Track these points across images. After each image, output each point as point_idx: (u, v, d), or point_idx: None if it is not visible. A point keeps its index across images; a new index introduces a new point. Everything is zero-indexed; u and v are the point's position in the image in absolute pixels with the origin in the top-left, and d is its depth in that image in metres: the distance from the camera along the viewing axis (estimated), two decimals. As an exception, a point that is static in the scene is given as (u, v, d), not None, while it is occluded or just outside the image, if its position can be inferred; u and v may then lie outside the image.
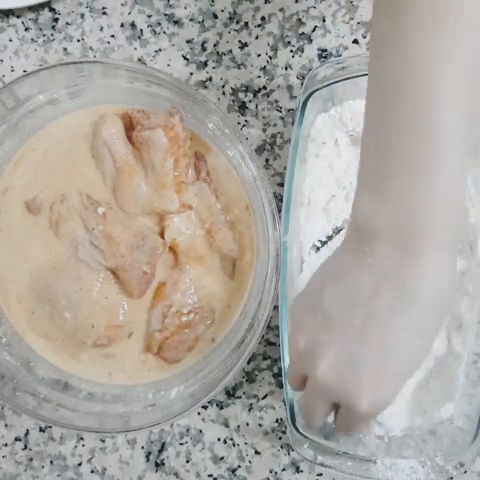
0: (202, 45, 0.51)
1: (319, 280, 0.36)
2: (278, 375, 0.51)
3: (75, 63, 0.42)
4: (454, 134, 0.30)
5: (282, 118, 0.51)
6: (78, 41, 0.51)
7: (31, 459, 0.51)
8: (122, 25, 0.51)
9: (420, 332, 0.33)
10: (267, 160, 0.51)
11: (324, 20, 0.51)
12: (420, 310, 0.32)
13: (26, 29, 0.51)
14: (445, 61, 0.29)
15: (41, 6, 0.51)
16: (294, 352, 0.37)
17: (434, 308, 0.32)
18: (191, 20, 0.51)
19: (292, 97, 0.51)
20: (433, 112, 0.30)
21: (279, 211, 0.44)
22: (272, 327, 0.51)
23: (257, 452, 0.51)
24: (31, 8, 0.51)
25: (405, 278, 0.32)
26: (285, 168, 0.50)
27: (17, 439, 0.51)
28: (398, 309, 0.32)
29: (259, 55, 0.51)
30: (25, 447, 0.51)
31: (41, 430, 0.51)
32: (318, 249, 0.47)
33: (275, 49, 0.51)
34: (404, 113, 0.31)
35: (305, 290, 0.37)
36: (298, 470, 0.51)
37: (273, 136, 0.51)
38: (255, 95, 0.51)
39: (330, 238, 0.47)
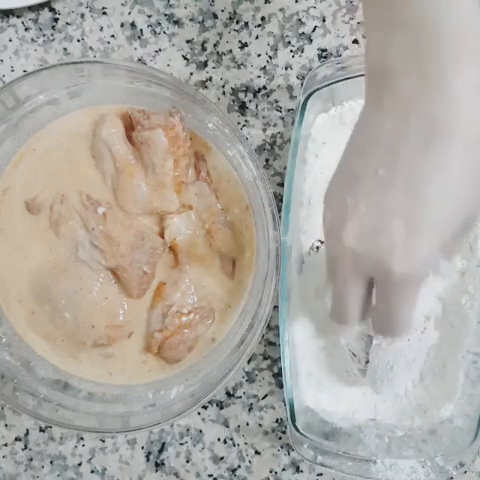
0: (202, 45, 0.51)
1: (345, 156, 0.33)
2: (278, 375, 0.51)
3: (75, 63, 0.42)
4: None
5: (282, 118, 0.51)
6: (78, 41, 0.51)
7: (31, 459, 0.51)
8: (122, 25, 0.51)
9: (457, 174, 0.28)
10: (267, 160, 0.51)
11: (324, 20, 0.51)
12: (454, 145, 0.27)
13: (26, 29, 0.51)
14: None
15: (41, 6, 0.51)
16: (325, 234, 0.32)
17: (470, 142, 0.27)
18: (191, 20, 0.51)
19: (292, 97, 0.51)
20: None
21: (279, 211, 0.44)
22: (272, 327, 0.51)
23: (257, 452, 0.51)
24: (31, 8, 0.51)
25: (431, 108, 0.27)
26: (285, 168, 0.50)
27: (17, 439, 0.51)
28: (427, 146, 0.27)
29: (259, 55, 0.51)
30: (25, 447, 0.51)
31: (41, 430, 0.51)
32: (318, 249, 0.47)
33: (275, 49, 0.51)
34: None
35: (335, 172, 0.33)
36: (298, 470, 0.51)
37: (273, 136, 0.51)
38: (255, 95, 0.51)
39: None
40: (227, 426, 0.51)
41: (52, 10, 0.51)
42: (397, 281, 0.29)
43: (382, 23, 0.29)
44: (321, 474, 0.51)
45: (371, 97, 0.30)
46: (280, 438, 0.51)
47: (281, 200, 0.47)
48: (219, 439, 0.51)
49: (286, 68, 0.51)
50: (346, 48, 0.51)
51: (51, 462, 0.51)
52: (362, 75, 0.43)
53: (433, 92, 0.27)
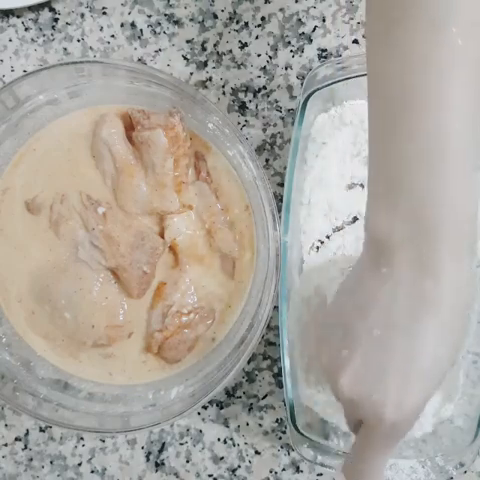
0: (202, 45, 0.51)
1: (338, 297, 0.36)
2: (278, 375, 0.51)
3: (75, 63, 0.42)
4: (462, 141, 0.30)
5: (282, 118, 0.51)
6: (78, 41, 0.51)
7: (31, 459, 0.51)
8: (122, 25, 0.51)
9: (444, 338, 0.32)
10: (267, 160, 0.51)
11: (324, 20, 0.51)
12: (440, 316, 0.31)
13: (26, 29, 0.51)
14: (448, 70, 0.29)
15: (41, 6, 0.51)
16: (321, 366, 0.36)
17: (455, 313, 0.32)
18: (191, 20, 0.51)
19: (292, 97, 0.51)
20: (439, 121, 0.30)
21: (279, 211, 0.44)
22: (272, 327, 0.51)
23: (257, 452, 0.51)
24: (31, 8, 0.51)
25: (423, 287, 0.31)
26: (285, 168, 0.50)
27: (17, 439, 0.51)
28: (418, 314, 0.31)
29: (259, 55, 0.51)
30: (25, 447, 0.51)
31: (41, 430, 0.51)
32: (318, 249, 0.47)
33: (275, 49, 0.51)
34: (409, 123, 0.30)
35: (327, 309, 0.37)
36: (298, 470, 0.51)
37: (273, 136, 0.51)
38: (255, 95, 0.51)
39: (330, 238, 0.47)
40: (227, 426, 0.51)
41: (52, 10, 0.51)
42: (386, 430, 0.32)
43: (387, 200, 0.32)
44: (321, 474, 0.51)
45: (370, 259, 0.34)
46: (280, 438, 0.51)
47: (281, 200, 0.47)
48: (219, 439, 0.51)
49: (286, 68, 0.51)
50: (346, 48, 0.51)
51: (51, 462, 0.51)
52: (362, 75, 0.44)
53: (426, 274, 0.31)
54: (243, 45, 0.51)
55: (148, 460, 0.51)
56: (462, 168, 0.30)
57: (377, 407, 0.32)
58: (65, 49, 0.51)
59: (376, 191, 0.33)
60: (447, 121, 0.30)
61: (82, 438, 0.51)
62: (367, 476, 0.34)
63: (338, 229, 0.47)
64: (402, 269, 0.32)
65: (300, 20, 0.51)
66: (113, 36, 0.51)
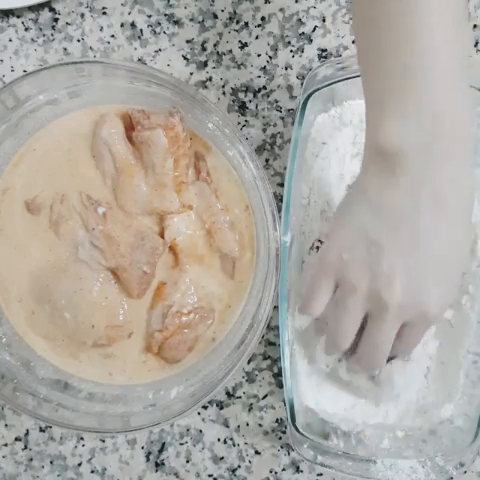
0: (202, 45, 0.51)
1: (354, 213, 0.38)
2: (278, 375, 0.51)
3: (75, 63, 0.42)
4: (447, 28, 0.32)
5: (282, 118, 0.51)
6: (78, 41, 0.51)
7: (31, 459, 0.51)
8: (122, 25, 0.51)
9: (462, 234, 0.36)
10: (267, 160, 0.51)
11: (324, 20, 0.51)
12: (458, 215, 0.35)
13: (26, 29, 0.51)
14: None
15: (41, 6, 0.51)
16: (349, 291, 0.38)
17: (467, 211, 0.36)
18: (191, 20, 0.51)
19: (292, 97, 0.51)
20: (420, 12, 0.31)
21: (279, 211, 0.44)
22: (272, 327, 0.51)
23: (257, 452, 0.51)
24: (31, 8, 0.51)
25: (441, 185, 0.34)
26: (285, 168, 0.50)
27: (17, 439, 0.51)
28: (439, 217, 0.34)
29: (259, 55, 0.51)
30: (25, 447, 0.51)
31: (41, 430, 0.51)
32: (318, 249, 0.47)
33: (275, 49, 0.51)
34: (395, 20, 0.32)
35: (343, 225, 0.38)
36: (298, 470, 0.51)
37: (273, 136, 0.51)
38: (255, 95, 0.51)
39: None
40: (227, 426, 0.51)
41: (52, 10, 0.51)
42: (430, 320, 0.38)
43: (398, 106, 0.33)
44: (321, 474, 0.51)
45: (381, 171, 0.35)
46: (280, 438, 0.51)
47: (281, 200, 0.47)
48: (219, 439, 0.51)
49: (286, 68, 0.51)
50: (346, 48, 0.51)
51: (51, 462, 0.51)
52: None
53: (442, 173, 0.34)
54: (243, 45, 0.51)
55: (148, 460, 0.51)
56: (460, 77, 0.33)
57: (425, 308, 0.36)
58: (65, 49, 0.51)
59: (382, 101, 0.34)
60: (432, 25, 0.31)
61: (82, 438, 0.51)
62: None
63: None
64: (418, 177, 0.34)
65: (300, 20, 0.51)
66: (113, 36, 0.51)
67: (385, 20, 0.32)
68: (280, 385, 0.50)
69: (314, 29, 0.51)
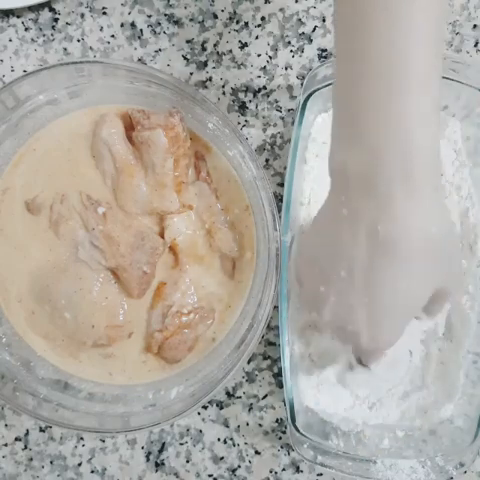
0: (202, 45, 0.51)
1: (312, 230, 0.38)
2: (278, 375, 0.51)
3: (75, 63, 0.42)
4: (419, 65, 0.29)
5: (282, 118, 0.51)
6: (78, 41, 0.51)
7: (31, 459, 0.51)
8: (122, 25, 0.51)
9: (406, 275, 0.33)
10: (267, 160, 0.51)
11: (324, 20, 0.51)
12: (399, 254, 0.32)
13: (26, 29, 0.51)
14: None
15: (41, 6, 0.51)
16: (303, 296, 0.40)
17: (417, 252, 0.32)
18: (191, 20, 0.51)
19: (292, 97, 0.51)
20: (398, 40, 0.29)
21: (279, 211, 0.44)
22: (272, 327, 0.51)
23: (257, 452, 0.51)
24: (31, 8, 0.51)
25: (377, 225, 0.32)
26: (285, 168, 0.50)
27: (17, 439, 0.51)
28: (376, 255, 0.32)
29: (259, 55, 0.51)
30: (25, 447, 0.51)
31: (41, 430, 0.51)
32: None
33: (275, 49, 0.51)
34: (369, 53, 0.30)
35: (305, 238, 0.40)
36: (298, 470, 0.51)
37: (273, 136, 0.51)
38: (255, 95, 0.51)
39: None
40: (227, 426, 0.51)
41: (52, 10, 0.51)
42: (367, 353, 0.37)
43: (345, 139, 0.33)
44: (321, 474, 0.51)
45: (333, 197, 0.35)
46: (280, 438, 0.51)
47: (281, 200, 0.47)
48: (219, 439, 0.51)
49: (286, 68, 0.51)
50: (346, 48, 0.51)
51: (51, 462, 0.51)
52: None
53: (379, 211, 0.31)
54: (243, 45, 0.51)
55: (148, 460, 0.51)
56: (418, 95, 0.30)
57: (354, 338, 0.35)
58: (65, 49, 0.51)
59: (335, 125, 0.34)
60: (404, 45, 0.29)
61: (82, 438, 0.51)
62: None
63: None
64: (358, 208, 0.32)
65: (300, 20, 0.51)
66: (113, 36, 0.51)
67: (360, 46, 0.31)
68: (280, 385, 0.50)
69: (314, 29, 0.51)
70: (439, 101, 0.31)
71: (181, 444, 0.51)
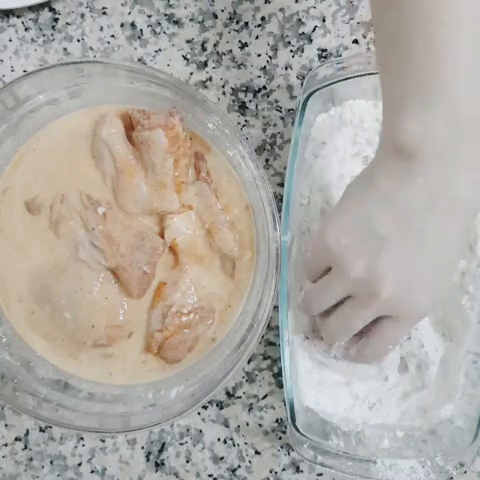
0: (202, 45, 0.51)
1: (362, 201, 0.37)
2: (278, 375, 0.51)
3: (75, 63, 0.42)
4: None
5: (282, 118, 0.51)
6: (78, 41, 0.51)
7: (31, 459, 0.51)
8: (122, 25, 0.51)
9: (465, 237, 0.37)
10: (267, 160, 0.51)
11: (324, 20, 0.51)
12: (469, 220, 0.35)
13: (26, 29, 0.51)
14: None
15: (41, 6, 0.51)
16: (344, 276, 0.38)
17: (475, 213, 0.35)
18: (191, 20, 0.51)
19: (292, 97, 0.51)
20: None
21: (279, 211, 0.44)
22: (272, 327, 0.51)
23: (257, 452, 0.51)
24: (31, 8, 0.51)
25: (461, 192, 0.33)
26: (285, 168, 0.50)
27: (17, 439, 0.51)
28: (451, 224, 0.34)
29: (259, 55, 0.51)
30: (25, 447, 0.51)
31: (41, 430, 0.51)
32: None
33: (275, 49, 0.51)
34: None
35: (346, 210, 0.38)
36: (298, 470, 0.51)
37: (273, 136, 0.51)
38: (255, 95, 0.51)
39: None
40: (227, 426, 0.51)
41: (52, 10, 0.51)
42: (417, 317, 0.39)
43: (424, 101, 0.32)
44: (321, 474, 0.51)
45: (397, 167, 0.34)
46: (280, 438, 0.51)
47: (281, 200, 0.47)
48: (219, 439, 0.51)
49: (286, 68, 0.51)
50: (346, 48, 0.51)
51: (51, 462, 0.51)
52: (362, 75, 0.44)
53: (460, 179, 0.33)
54: (243, 45, 0.51)
55: (148, 460, 0.51)
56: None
57: (413, 306, 0.37)
58: (65, 49, 0.51)
59: (404, 96, 0.33)
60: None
61: (82, 438, 0.51)
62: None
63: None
64: (437, 176, 0.33)
65: (300, 20, 0.51)
66: (113, 36, 0.51)
67: (407, 15, 0.31)
68: (280, 385, 0.50)
69: (314, 29, 0.51)
70: None
71: (181, 444, 0.51)
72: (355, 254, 0.37)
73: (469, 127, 0.31)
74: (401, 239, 0.35)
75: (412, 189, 0.34)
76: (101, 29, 0.51)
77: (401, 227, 0.35)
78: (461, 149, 0.32)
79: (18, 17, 0.51)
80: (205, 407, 0.51)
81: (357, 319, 0.39)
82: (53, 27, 0.51)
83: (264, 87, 0.51)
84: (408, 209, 0.34)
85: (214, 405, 0.51)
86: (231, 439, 0.51)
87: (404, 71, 0.32)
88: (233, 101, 0.51)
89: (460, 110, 0.31)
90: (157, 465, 0.51)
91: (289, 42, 0.51)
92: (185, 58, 0.51)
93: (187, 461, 0.51)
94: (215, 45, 0.51)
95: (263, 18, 0.51)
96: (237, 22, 0.51)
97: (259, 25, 0.51)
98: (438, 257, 0.35)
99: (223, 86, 0.51)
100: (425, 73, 0.31)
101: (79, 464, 0.51)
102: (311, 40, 0.51)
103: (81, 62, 0.42)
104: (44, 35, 0.51)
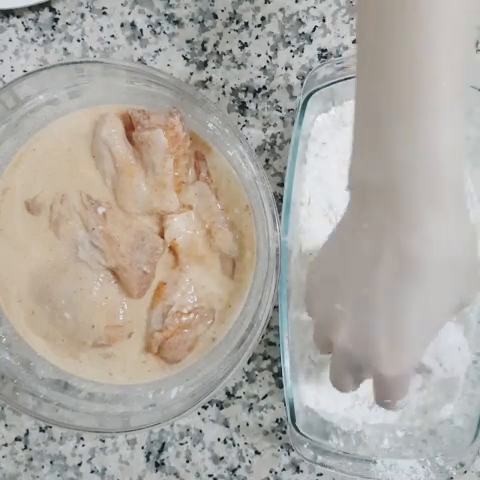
0: (202, 45, 0.51)
1: (329, 246, 0.36)
2: (278, 375, 0.51)
3: (75, 63, 0.42)
4: (446, 78, 0.28)
5: (282, 118, 0.51)
6: (78, 41, 0.51)
7: (31, 459, 0.51)
8: (122, 25, 0.51)
9: (431, 297, 0.31)
10: (267, 160, 0.51)
11: (324, 20, 0.51)
12: (427, 275, 0.30)
13: (26, 29, 0.51)
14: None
15: (41, 6, 0.51)
16: (314, 319, 0.36)
17: (445, 269, 0.30)
18: (191, 20, 0.51)
19: (292, 97, 0.51)
20: (423, 57, 0.28)
21: (279, 211, 0.44)
22: (272, 327, 0.51)
23: (257, 452, 0.51)
24: (31, 8, 0.51)
25: (403, 243, 0.30)
26: (285, 168, 0.50)
27: (17, 439, 0.51)
28: (402, 276, 0.30)
29: (259, 55, 0.51)
30: (25, 447, 0.51)
31: (41, 430, 0.51)
32: (318, 249, 0.47)
33: (275, 49, 0.51)
34: (392, 62, 0.29)
35: (320, 255, 0.37)
36: (298, 470, 0.51)
37: (273, 136, 0.51)
38: (255, 95, 0.51)
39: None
40: (227, 426, 0.51)
41: (52, 10, 0.51)
42: (387, 381, 0.33)
43: (366, 150, 0.32)
44: (321, 474, 0.51)
45: (353, 211, 0.34)
46: (280, 438, 0.51)
47: (281, 200, 0.47)
48: (219, 439, 0.51)
49: (286, 68, 0.51)
50: (346, 48, 0.51)
51: (51, 462, 0.51)
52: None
53: (404, 228, 0.30)
54: (243, 45, 0.51)
55: (148, 460, 0.51)
56: (445, 111, 0.29)
57: (373, 362, 0.32)
58: (65, 49, 0.51)
59: (356, 139, 0.33)
60: (428, 61, 0.28)
61: (82, 438, 0.51)
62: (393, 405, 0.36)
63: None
64: (381, 224, 0.31)
65: (300, 20, 0.51)
66: (113, 36, 0.51)
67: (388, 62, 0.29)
68: (280, 385, 0.50)
69: (314, 29, 0.51)
70: (464, 108, 0.30)
71: (181, 444, 0.51)
72: (317, 296, 0.36)
73: (414, 179, 0.30)
74: (353, 290, 0.33)
75: (359, 235, 0.32)
76: (101, 29, 0.51)
77: (352, 278, 0.33)
78: (401, 193, 0.30)
79: (18, 17, 0.51)
80: (205, 407, 0.51)
81: (337, 373, 0.36)
82: (53, 27, 0.51)
83: (264, 87, 0.51)
84: (357, 259, 0.33)
85: (214, 405, 0.51)
86: (231, 439, 0.51)
87: (358, 120, 0.32)
88: (233, 101, 0.51)
89: (400, 160, 0.30)
90: (157, 465, 0.51)
91: (289, 42, 0.51)
92: (185, 58, 0.51)
93: (187, 461, 0.51)
94: (215, 45, 0.51)
95: (263, 18, 0.51)
96: (237, 22, 0.51)
97: (259, 25, 0.51)
98: (391, 314, 0.31)
99: (223, 86, 0.51)
100: (376, 120, 0.31)
101: (79, 464, 0.51)
102: (311, 40, 0.51)
103: (81, 62, 0.42)
104: (44, 35, 0.51)
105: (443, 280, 0.31)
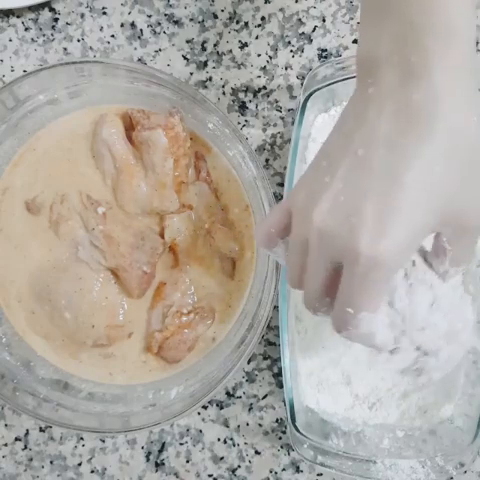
0: (202, 45, 0.51)
1: (329, 136, 0.32)
2: (278, 375, 0.51)
3: (75, 63, 0.42)
4: None
5: (282, 118, 0.51)
6: (78, 41, 0.51)
7: (31, 459, 0.51)
8: (122, 25, 0.51)
9: (442, 168, 0.27)
10: (267, 160, 0.51)
11: (324, 20, 0.51)
12: (436, 133, 0.27)
13: (26, 29, 0.51)
14: None
15: (41, 6, 0.51)
16: (293, 209, 0.31)
17: (454, 131, 0.27)
18: (191, 20, 0.51)
19: (292, 97, 0.51)
20: None
21: (279, 211, 0.44)
22: (272, 327, 0.51)
23: (257, 452, 0.51)
24: (31, 8, 0.51)
25: (412, 95, 0.27)
26: (285, 168, 0.50)
27: (17, 439, 0.51)
28: (408, 132, 0.27)
29: (259, 55, 0.51)
30: (25, 447, 0.51)
31: (41, 430, 0.51)
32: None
33: (275, 49, 0.51)
34: None
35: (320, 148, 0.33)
36: (298, 470, 0.51)
37: (273, 136, 0.51)
38: (255, 95, 0.51)
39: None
40: (227, 426, 0.51)
41: (52, 10, 0.51)
42: (363, 266, 0.28)
43: (375, 16, 0.30)
44: (321, 474, 0.51)
45: (358, 85, 0.31)
46: (280, 438, 0.51)
47: (281, 200, 0.47)
48: (219, 439, 0.51)
49: (286, 68, 0.51)
50: (346, 48, 0.51)
51: (51, 462, 0.51)
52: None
53: (415, 81, 0.27)
54: (243, 45, 0.51)
55: (148, 460, 0.51)
56: None
57: (352, 239, 0.28)
58: (65, 49, 0.51)
59: (364, 10, 0.31)
60: None
61: (82, 438, 0.51)
62: (354, 322, 0.30)
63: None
64: (389, 84, 0.28)
65: (300, 20, 0.51)
66: (113, 36, 0.51)
67: None
68: (280, 385, 0.50)
69: (314, 29, 0.51)
70: None
71: (181, 444, 0.51)
72: (306, 181, 0.32)
73: (421, 38, 0.27)
74: (351, 153, 0.29)
75: (363, 101, 0.29)
76: (101, 29, 0.51)
77: (347, 141, 0.29)
78: (412, 54, 0.27)
79: (18, 17, 0.51)
80: (205, 407, 0.51)
81: (312, 266, 0.31)
82: (53, 27, 0.51)
83: (264, 87, 0.51)
84: (356, 122, 0.30)
85: (214, 405, 0.51)
86: (231, 439, 0.51)
87: None
88: (233, 101, 0.51)
89: (411, 19, 0.28)
90: (157, 465, 0.51)
91: (289, 42, 0.51)
92: (185, 58, 0.51)
93: (187, 461, 0.51)
94: (215, 45, 0.51)
95: (263, 18, 0.51)
96: (237, 22, 0.51)
97: (259, 25, 0.51)
98: (392, 180, 0.27)
99: (223, 86, 0.51)
100: None
101: (79, 464, 0.51)
102: (311, 40, 0.51)
103: (81, 62, 0.42)
104: (44, 35, 0.51)
105: (450, 152, 0.27)
